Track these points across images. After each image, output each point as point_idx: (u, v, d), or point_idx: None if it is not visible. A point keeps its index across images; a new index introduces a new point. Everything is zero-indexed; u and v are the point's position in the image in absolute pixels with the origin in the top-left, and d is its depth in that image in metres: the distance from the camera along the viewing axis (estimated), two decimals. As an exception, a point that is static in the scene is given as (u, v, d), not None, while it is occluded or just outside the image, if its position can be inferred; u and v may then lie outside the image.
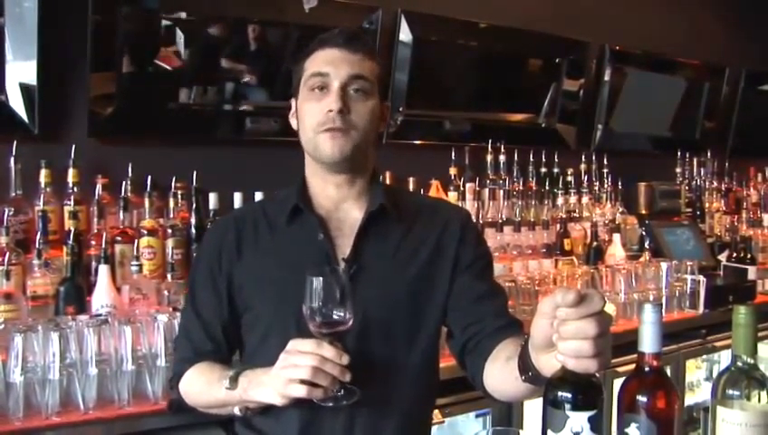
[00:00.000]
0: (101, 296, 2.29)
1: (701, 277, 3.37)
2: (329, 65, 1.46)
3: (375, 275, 1.46)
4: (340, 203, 1.54)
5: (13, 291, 2.30)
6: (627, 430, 1.08)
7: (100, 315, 2.19)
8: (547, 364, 1.10)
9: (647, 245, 3.66)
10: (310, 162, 1.56)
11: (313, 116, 1.47)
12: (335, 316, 1.28)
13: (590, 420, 1.00)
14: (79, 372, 2.08)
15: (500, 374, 1.33)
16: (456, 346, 1.50)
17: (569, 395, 1.00)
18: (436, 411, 2.30)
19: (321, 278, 1.28)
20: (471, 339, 1.45)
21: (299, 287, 1.35)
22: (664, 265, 3.30)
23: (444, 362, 2.41)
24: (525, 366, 1.18)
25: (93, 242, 2.46)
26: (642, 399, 1.08)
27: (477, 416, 2.46)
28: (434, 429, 2.45)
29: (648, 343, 1.08)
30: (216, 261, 1.54)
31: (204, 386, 1.50)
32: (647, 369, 1.09)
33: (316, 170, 1.54)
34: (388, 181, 2.97)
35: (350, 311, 1.28)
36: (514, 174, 3.54)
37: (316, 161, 1.53)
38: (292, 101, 1.58)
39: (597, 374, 1.02)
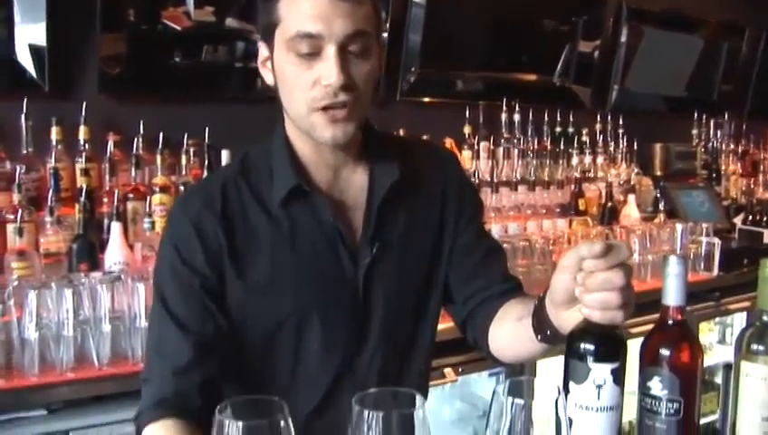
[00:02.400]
0: (114, 253, 2.29)
1: (716, 239, 3.34)
2: (319, 22, 1.14)
3: (392, 252, 1.31)
4: (338, 170, 1.30)
5: (26, 248, 2.30)
6: (649, 384, 1.06)
7: (113, 272, 2.19)
8: (567, 320, 1.07)
9: (661, 206, 3.63)
10: (294, 127, 1.28)
11: (305, 89, 1.18)
12: None
13: (613, 372, 0.98)
14: (93, 329, 2.09)
15: (509, 336, 1.27)
16: (459, 314, 1.40)
17: (592, 347, 0.98)
18: (449, 370, 2.30)
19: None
20: (476, 308, 1.36)
21: (313, 281, 1.25)
22: (679, 227, 3.27)
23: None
24: (542, 325, 1.14)
25: (105, 199, 2.46)
26: (665, 352, 1.06)
27: (491, 375, 2.46)
28: (447, 386, 2.47)
29: (673, 295, 1.06)
30: (202, 263, 1.24)
31: None
32: (670, 322, 1.07)
33: (304, 136, 1.26)
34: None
35: None
36: (529, 133, 3.50)
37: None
38: (261, 47, 1.28)
39: (620, 327, 1.01)
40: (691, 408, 1.06)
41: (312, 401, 1.30)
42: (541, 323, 1.14)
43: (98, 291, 2.10)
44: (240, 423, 0.73)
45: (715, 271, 3.31)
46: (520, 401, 0.80)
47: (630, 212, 3.45)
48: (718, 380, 3.10)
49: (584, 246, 0.98)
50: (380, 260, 1.29)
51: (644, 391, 1.07)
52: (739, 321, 3.40)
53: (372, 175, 1.32)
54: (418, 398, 0.77)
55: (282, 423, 0.76)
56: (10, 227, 2.33)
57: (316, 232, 1.27)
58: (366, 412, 0.74)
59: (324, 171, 1.30)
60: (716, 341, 3.55)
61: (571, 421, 0.95)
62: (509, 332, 1.27)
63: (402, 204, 1.33)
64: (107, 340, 2.08)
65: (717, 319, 3.42)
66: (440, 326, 1.87)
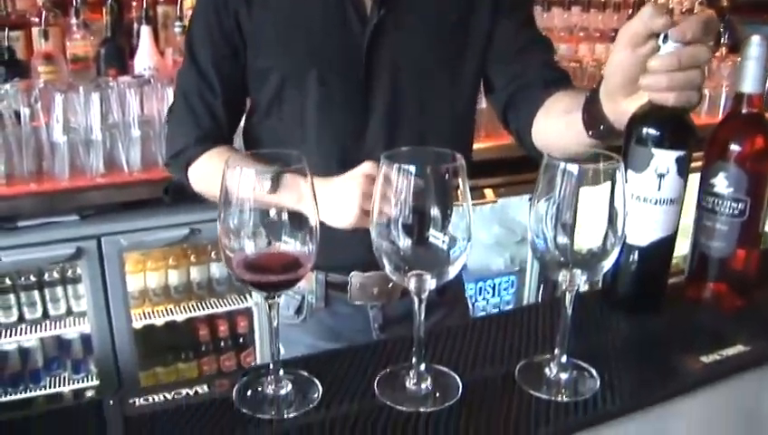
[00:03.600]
0: (144, 58, 2.20)
1: (780, 78, 3.12)
2: None
3: (406, 20, 1.22)
4: None
5: (52, 51, 2.22)
6: (713, 181, 0.96)
7: (142, 77, 2.11)
8: (624, 113, 0.95)
9: (725, 39, 3.38)
10: None
11: None
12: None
13: (678, 161, 0.87)
14: (122, 134, 2.03)
15: (555, 130, 1.15)
16: (499, 101, 1.30)
17: (657, 132, 0.87)
18: (489, 190, 2.22)
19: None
20: (516, 93, 1.25)
21: (320, 39, 1.19)
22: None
23: (496, 141, 2.33)
24: (594, 119, 1.01)
25: (134, 3, 2.33)
26: (735, 146, 0.94)
27: (531, 199, 2.36)
28: (486, 209, 2.41)
29: (750, 81, 0.93)
30: (222, 6, 1.24)
31: None
32: (744, 111, 0.94)
33: None
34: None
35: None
36: (585, -50, 3.22)
37: None
38: None
39: (689, 112, 0.89)
40: (757, 210, 0.96)
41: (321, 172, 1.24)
42: (593, 116, 1.02)
43: (126, 95, 2.03)
44: (252, 170, 0.65)
45: (775, 111, 3.12)
46: (573, 168, 0.70)
47: (690, 43, 3.22)
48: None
49: (647, 11, 0.84)
50: (389, 24, 1.20)
51: (706, 188, 0.97)
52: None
53: None
54: (457, 155, 0.67)
55: (304, 178, 0.68)
56: (35, 31, 2.25)
57: None
58: (395, 167, 0.65)
59: None
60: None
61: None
62: (555, 125, 1.14)
63: None
64: (137, 145, 2.03)
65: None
66: (480, 146, 1.75)
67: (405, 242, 0.67)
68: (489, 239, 2.66)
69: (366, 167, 1.06)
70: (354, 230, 1.04)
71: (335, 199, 1.06)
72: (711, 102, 2.95)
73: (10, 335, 2.21)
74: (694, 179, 0.95)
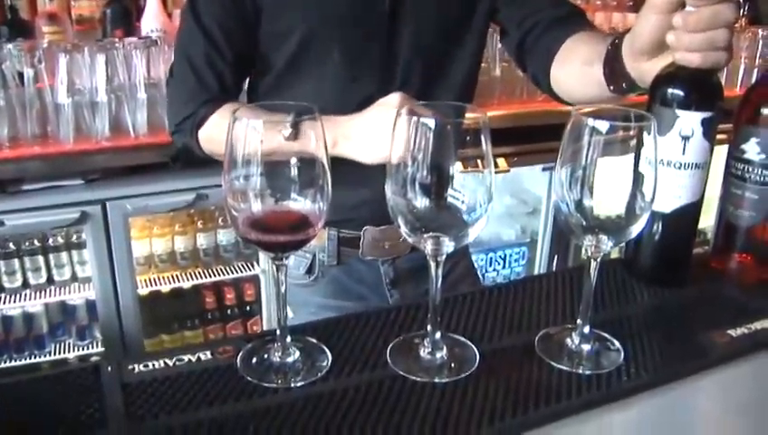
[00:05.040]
0: (151, 20, 2.16)
1: (801, 50, 3.04)
2: None
3: None
4: None
5: (57, 11, 2.18)
6: (743, 146, 0.91)
7: (149, 38, 2.06)
8: (648, 73, 0.91)
9: (744, 11, 3.30)
10: None
11: None
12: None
13: (704, 123, 0.82)
14: (128, 97, 1.99)
15: (576, 80, 1.13)
16: (512, 44, 1.26)
17: (682, 92, 0.83)
18: (501, 160, 2.18)
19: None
20: (529, 34, 1.22)
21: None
22: (761, 33, 2.97)
23: (509, 109, 2.28)
24: (616, 76, 0.99)
25: (141, -37, 2.28)
26: (767, 109, 0.90)
27: (544, 170, 2.31)
28: (499, 177, 2.36)
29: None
30: None
31: None
32: (780, 73, 0.90)
33: None
34: None
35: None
36: None
37: None
38: None
39: (716, 73, 0.84)
40: (789, 177, 0.92)
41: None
42: (615, 73, 0.99)
43: (132, 57, 1.98)
44: (260, 121, 0.60)
45: (795, 84, 3.04)
46: (602, 125, 0.65)
47: (709, 12, 3.14)
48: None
49: None
50: None
51: (735, 154, 0.92)
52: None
53: None
54: (479, 111, 0.63)
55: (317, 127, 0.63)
56: (40, -11, 2.20)
57: None
58: (413, 121, 0.60)
59: None
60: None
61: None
62: (575, 76, 1.12)
63: None
64: (143, 108, 1.99)
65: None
66: (493, 114, 1.66)
67: (422, 202, 0.63)
68: (500, 210, 2.61)
69: (395, 98, 0.99)
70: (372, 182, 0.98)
71: (367, 133, 1.01)
72: (729, 74, 2.88)
73: (15, 301, 2.19)
74: (720, 153, 0.90)
